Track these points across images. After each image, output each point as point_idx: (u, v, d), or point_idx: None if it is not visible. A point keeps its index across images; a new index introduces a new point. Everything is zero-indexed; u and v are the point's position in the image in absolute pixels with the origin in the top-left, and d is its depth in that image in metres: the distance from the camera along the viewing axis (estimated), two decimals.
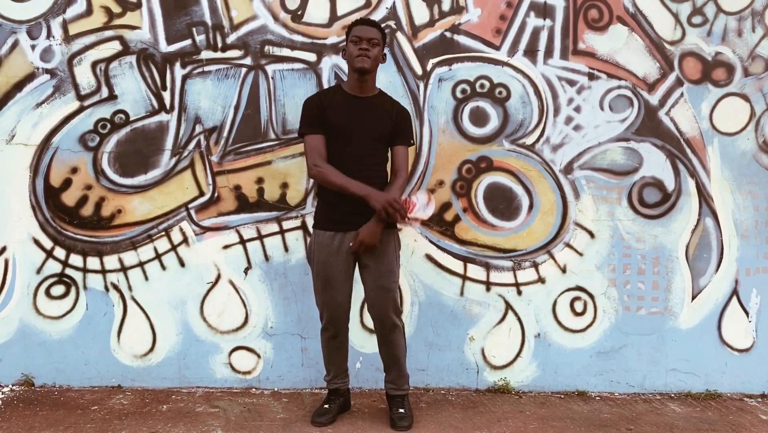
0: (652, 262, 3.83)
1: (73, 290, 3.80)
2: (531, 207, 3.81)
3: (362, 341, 3.82)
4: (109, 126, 3.75)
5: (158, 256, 3.79)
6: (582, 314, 3.85)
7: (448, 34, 3.75)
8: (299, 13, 3.73)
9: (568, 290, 3.84)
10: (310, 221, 3.76)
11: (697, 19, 3.76)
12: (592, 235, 3.82)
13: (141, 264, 3.80)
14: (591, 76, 3.77)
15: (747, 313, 3.85)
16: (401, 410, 3.37)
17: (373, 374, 3.80)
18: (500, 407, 3.66)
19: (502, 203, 3.80)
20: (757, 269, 3.84)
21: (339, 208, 3.23)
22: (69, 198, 3.77)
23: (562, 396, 3.84)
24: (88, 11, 3.72)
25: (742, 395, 3.88)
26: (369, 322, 3.76)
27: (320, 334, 3.40)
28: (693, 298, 3.84)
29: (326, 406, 3.43)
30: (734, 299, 3.84)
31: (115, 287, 3.80)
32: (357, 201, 3.16)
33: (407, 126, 3.35)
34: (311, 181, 3.74)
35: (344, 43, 3.41)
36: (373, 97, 3.30)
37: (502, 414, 3.56)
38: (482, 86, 3.76)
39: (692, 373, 3.87)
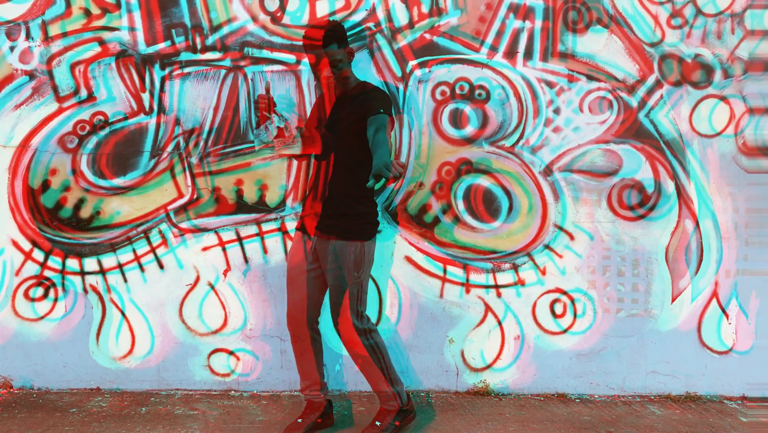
0: (632, 264, 3.83)
1: (51, 291, 3.79)
2: (511, 209, 3.80)
3: (341, 344, 3.80)
4: (88, 128, 3.74)
5: (137, 258, 3.78)
6: (562, 316, 3.85)
7: (427, 35, 3.74)
8: (278, 14, 3.72)
9: (548, 291, 3.84)
10: (289, 224, 3.76)
11: (676, 21, 3.76)
12: (571, 237, 3.81)
13: (120, 266, 3.79)
14: (571, 78, 3.77)
15: (727, 315, 3.85)
16: (377, 423, 3.27)
17: (353, 377, 3.80)
18: (480, 409, 3.66)
19: (482, 205, 3.80)
20: (737, 271, 3.83)
21: (307, 203, 3.40)
22: (48, 200, 3.76)
23: (542, 398, 3.84)
24: (68, 13, 3.71)
25: (722, 397, 3.87)
26: None
27: None
28: (673, 300, 3.84)
29: (299, 421, 3.32)
30: (714, 301, 3.84)
31: (94, 289, 3.80)
32: (322, 193, 3.30)
33: (371, 101, 3.20)
34: (290, 183, 3.74)
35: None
36: (350, 91, 3.36)
37: (482, 417, 3.56)
38: (462, 88, 3.76)
39: (672, 375, 3.86)
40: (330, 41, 3.25)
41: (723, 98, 3.78)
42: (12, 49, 3.71)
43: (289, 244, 3.76)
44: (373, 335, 3.26)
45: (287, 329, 3.40)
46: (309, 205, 3.36)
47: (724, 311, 3.85)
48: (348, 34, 3.44)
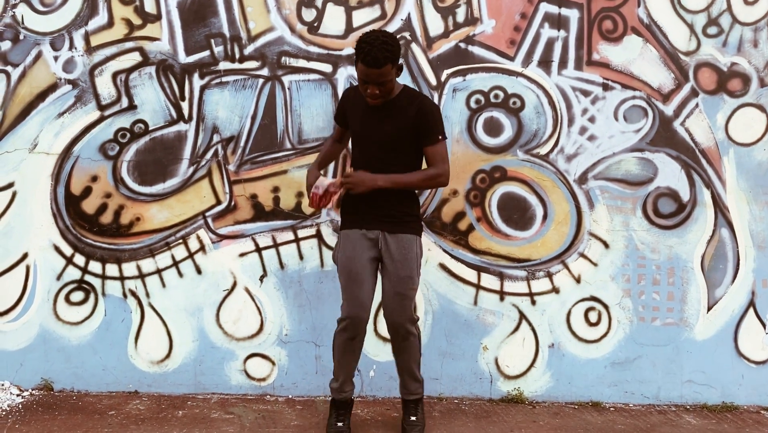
0: (667, 272, 3.81)
1: (92, 296, 3.86)
2: (545, 217, 3.81)
3: (376, 350, 3.84)
4: (128, 135, 3.82)
5: (175, 263, 3.85)
6: (596, 324, 3.84)
7: (462, 45, 3.77)
8: (315, 24, 3.78)
9: (583, 300, 3.84)
10: (324, 230, 3.81)
11: (712, 30, 3.76)
12: (606, 245, 3.81)
13: (158, 271, 3.85)
14: (605, 87, 3.78)
15: (764, 325, 3.82)
16: (412, 418, 3.35)
17: (386, 383, 3.82)
18: (513, 417, 3.66)
19: (516, 213, 3.81)
20: None
21: (352, 206, 3.30)
22: (89, 206, 3.84)
23: (576, 407, 3.83)
24: (110, 23, 3.79)
25: (759, 407, 3.83)
26: (383, 330, 3.77)
27: (335, 335, 3.30)
28: (708, 309, 3.82)
29: (340, 425, 3.32)
30: (751, 310, 3.81)
31: (133, 294, 3.86)
32: (366, 197, 3.20)
33: (429, 122, 3.17)
34: None
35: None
36: (392, 99, 3.19)
37: (516, 424, 3.56)
38: (496, 96, 3.78)
39: (708, 385, 3.84)
40: (386, 62, 3.01)
41: (759, 107, 3.77)
42: (56, 58, 3.80)
43: (325, 250, 3.80)
44: (417, 325, 3.36)
45: (345, 328, 3.23)
46: (353, 205, 3.29)
47: (761, 320, 3.82)
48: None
